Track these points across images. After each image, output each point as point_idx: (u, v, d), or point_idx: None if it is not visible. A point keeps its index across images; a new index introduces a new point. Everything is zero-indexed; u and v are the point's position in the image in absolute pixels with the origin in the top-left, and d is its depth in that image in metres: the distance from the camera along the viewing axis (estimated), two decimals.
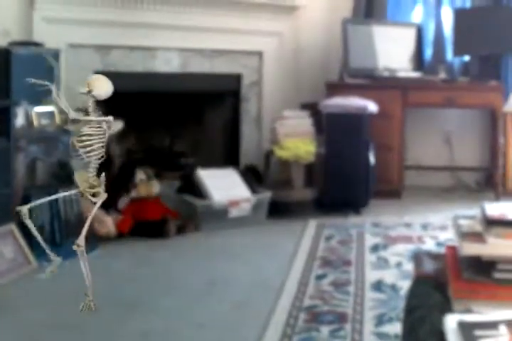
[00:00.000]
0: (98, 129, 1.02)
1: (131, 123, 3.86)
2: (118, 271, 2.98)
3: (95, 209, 1.02)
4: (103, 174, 1.03)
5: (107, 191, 3.11)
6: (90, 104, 1.01)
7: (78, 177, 1.05)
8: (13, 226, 2.92)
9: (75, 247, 1.11)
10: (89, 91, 1.00)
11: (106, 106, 3.60)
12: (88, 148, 1.00)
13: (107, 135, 1.03)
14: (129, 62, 4.00)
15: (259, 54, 4.68)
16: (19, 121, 3.07)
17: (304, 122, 4.32)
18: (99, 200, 1.07)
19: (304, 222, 3.88)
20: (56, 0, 3.58)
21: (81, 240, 1.08)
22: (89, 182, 1.05)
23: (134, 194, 3.55)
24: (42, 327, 2.34)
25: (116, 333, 2.31)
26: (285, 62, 4.80)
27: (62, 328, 2.34)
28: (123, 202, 3.52)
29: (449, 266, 1.61)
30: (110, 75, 3.59)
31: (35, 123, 3.14)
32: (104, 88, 1.03)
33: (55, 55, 3.40)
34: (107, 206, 3.50)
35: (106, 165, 3.85)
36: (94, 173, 1.04)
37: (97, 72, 3.84)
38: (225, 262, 3.12)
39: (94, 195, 1.07)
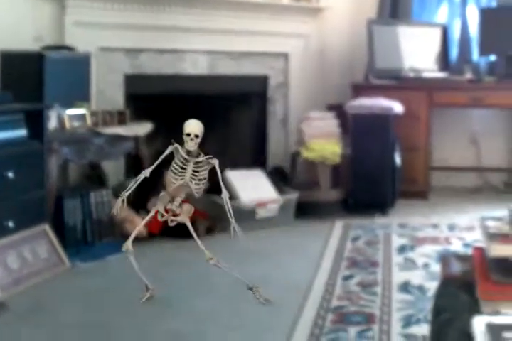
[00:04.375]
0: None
1: (160, 125, 3.92)
2: (148, 271, 3.02)
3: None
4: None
5: (136, 192, 3.13)
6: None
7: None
8: (46, 227, 2.99)
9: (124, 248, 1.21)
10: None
11: (135, 108, 3.63)
12: None
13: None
14: (157, 64, 4.06)
15: (286, 56, 4.71)
16: (52, 123, 3.14)
17: (330, 123, 4.34)
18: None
19: (331, 222, 3.90)
20: (87, 4, 3.64)
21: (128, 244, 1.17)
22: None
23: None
24: (74, 326, 2.39)
25: (147, 333, 2.34)
26: (311, 63, 4.82)
27: (94, 328, 2.38)
28: (153, 203, 3.58)
29: (476, 268, 1.63)
30: (139, 78, 3.67)
31: (67, 125, 3.21)
32: None
33: (87, 58, 3.47)
34: (137, 207, 3.56)
35: (135, 166, 3.90)
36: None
37: (127, 75, 3.91)
38: (252, 262, 3.15)
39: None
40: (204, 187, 1.19)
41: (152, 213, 1.20)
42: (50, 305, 2.59)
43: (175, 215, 1.25)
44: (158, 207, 1.18)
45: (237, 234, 1.27)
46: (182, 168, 1.17)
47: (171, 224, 1.25)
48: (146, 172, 1.18)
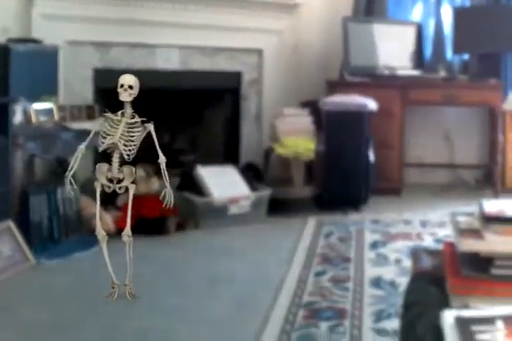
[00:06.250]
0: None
1: None
2: (117, 267, 2.97)
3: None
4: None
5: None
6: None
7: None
8: (10, 224, 2.91)
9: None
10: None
11: (105, 103, 3.56)
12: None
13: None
14: (128, 59, 4.00)
15: (259, 52, 4.68)
16: (17, 118, 3.07)
17: (303, 120, 4.32)
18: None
19: (304, 219, 3.87)
20: None
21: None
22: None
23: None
24: (40, 325, 2.33)
25: (115, 330, 2.30)
26: (285, 59, 4.79)
27: (60, 326, 2.32)
28: (122, 199, 3.51)
29: (446, 262, 1.61)
30: (110, 73, 3.60)
31: (34, 120, 3.14)
32: None
33: (54, 52, 3.40)
34: (106, 203, 3.50)
35: (105, 162, 3.83)
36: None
37: (97, 69, 3.84)
38: (224, 259, 3.11)
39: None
40: (135, 149, 1.15)
41: (99, 188, 1.16)
42: (14, 303, 2.52)
43: (120, 182, 1.22)
44: (99, 179, 1.14)
45: (168, 199, 1.24)
46: (113, 128, 1.14)
47: (120, 192, 1.22)
48: (81, 149, 1.14)
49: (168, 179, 1.27)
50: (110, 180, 1.22)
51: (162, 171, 1.20)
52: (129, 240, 1.22)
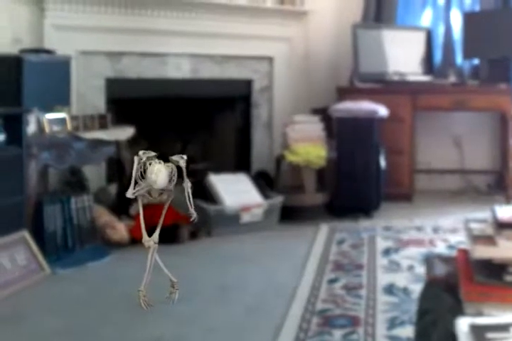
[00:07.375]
0: None
1: (143, 129, 3.89)
2: (131, 276, 2.98)
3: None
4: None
5: (119, 197, 3.10)
6: None
7: None
8: (25, 233, 2.93)
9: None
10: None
11: (117, 113, 3.59)
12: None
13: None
14: (140, 68, 4.02)
15: (270, 59, 4.70)
16: (31, 128, 3.09)
17: (314, 127, 4.32)
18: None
19: (316, 226, 3.88)
20: (67, 7, 3.61)
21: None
22: None
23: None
24: (55, 334, 2.34)
25: (129, 339, 2.31)
26: (295, 67, 4.81)
27: (75, 335, 2.34)
28: (135, 209, 3.53)
29: (460, 269, 1.61)
30: (121, 82, 3.61)
31: (47, 130, 3.16)
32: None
33: (66, 62, 3.43)
34: (119, 212, 3.52)
35: (118, 171, 3.85)
36: None
37: (109, 79, 3.87)
38: (237, 267, 3.12)
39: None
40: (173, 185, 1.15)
41: (141, 202, 1.16)
42: (29, 313, 2.54)
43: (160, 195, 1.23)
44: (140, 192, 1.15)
45: (193, 218, 1.22)
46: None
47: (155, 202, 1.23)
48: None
49: (192, 203, 1.26)
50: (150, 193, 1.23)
51: (187, 193, 1.18)
52: (155, 246, 1.21)
